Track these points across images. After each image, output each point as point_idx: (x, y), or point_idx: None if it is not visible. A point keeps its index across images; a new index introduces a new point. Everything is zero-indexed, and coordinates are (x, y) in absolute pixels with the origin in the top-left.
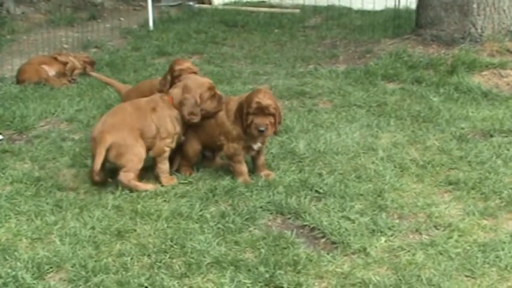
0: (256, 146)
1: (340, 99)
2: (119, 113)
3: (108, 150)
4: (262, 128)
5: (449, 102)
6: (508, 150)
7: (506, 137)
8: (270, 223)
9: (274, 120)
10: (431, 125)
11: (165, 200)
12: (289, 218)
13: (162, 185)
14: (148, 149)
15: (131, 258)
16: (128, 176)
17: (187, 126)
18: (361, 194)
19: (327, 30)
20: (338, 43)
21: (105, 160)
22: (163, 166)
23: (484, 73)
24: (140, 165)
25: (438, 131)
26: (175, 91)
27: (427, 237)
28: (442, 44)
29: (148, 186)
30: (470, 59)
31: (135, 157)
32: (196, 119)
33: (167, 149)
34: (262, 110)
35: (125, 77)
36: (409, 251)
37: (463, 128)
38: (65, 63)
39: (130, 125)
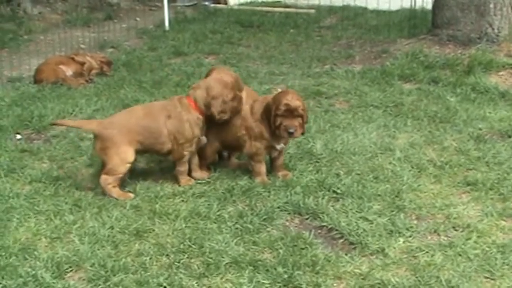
0: (279, 147)
1: (357, 99)
2: (127, 112)
3: (95, 141)
4: (291, 130)
5: (466, 103)
6: None
7: None
8: (287, 223)
9: (302, 121)
10: (449, 125)
11: (183, 200)
12: (307, 219)
13: (180, 186)
14: (157, 153)
15: (150, 258)
16: (107, 179)
17: (207, 125)
18: (379, 195)
19: (342, 31)
20: (354, 43)
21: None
22: (182, 168)
23: (501, 73)
24: (123, 168)
25: (455, 132)
26: (199, 93)
27: (445, 238)
28: (458, 44)
29: (124, 196)
30: (487, 59)
31: (117, 157)
32: (226, 117)
33: (186, 153)
34: (291, 112)
35: (141, 77)
36: (427, 252)
37: (480, 129)
38: (82, 64)
39: (128, 127)
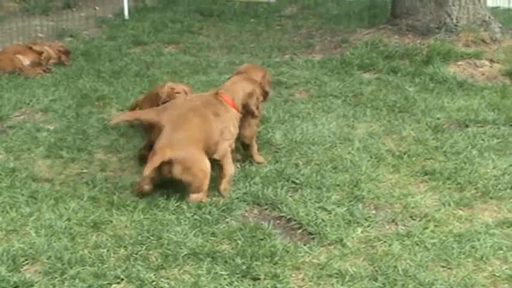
0: None
1: (317, 89)
2: (184, 125)
3: (172, 166)
4: None
5: (425, 92)
6: (483, 140)
7: (482, 127)
8: (246, 214)
9: None
10: (407, 115)
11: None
12: (266, 209)
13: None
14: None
15: (107, 250)
16: (198, 198)
17: None
18: (338, 185)
19: (302, 20)
20: (314, 33)
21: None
22: (230, 166)
23: (459, 63)
24: (207, 180)
25: (414, 121)
26: (235, 91)
27: (403, 228)
28: (417, 34)
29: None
30: (446, 49)
31: (201, 173)
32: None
33: (229, 149)
34: None
35: (100, 66)
36: (385, 241)
37: (438, 118)
38: (40, 53)
39: (198, 138)
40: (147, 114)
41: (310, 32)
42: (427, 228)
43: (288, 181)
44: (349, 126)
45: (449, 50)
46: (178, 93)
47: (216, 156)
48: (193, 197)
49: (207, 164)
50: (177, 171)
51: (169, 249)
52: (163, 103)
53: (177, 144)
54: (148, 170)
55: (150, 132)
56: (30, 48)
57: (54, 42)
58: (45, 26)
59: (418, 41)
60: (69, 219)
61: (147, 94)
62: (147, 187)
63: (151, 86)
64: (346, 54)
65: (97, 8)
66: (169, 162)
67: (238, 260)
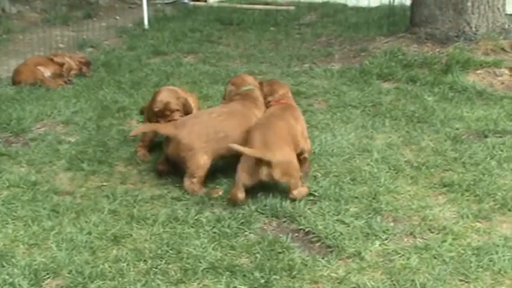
0: None
1: (336, 99)
2: (273, 129)
3: (271, 169)
4: None
5: (444, 102)
6: (502, 151)
7: (501, 137)
8: (265, 227)
9: None
10: (426, 125)
11: (161, 205)
12: (284, 222)
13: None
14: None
15: (127, 264)
16: (303, 191)
17: None
18: (356, 197)
19: (322, 28)
20: (333, 41)
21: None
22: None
23: (478, 72)
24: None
25: (433, 132)
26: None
27: (421, 241)
28: (436, 43)
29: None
30: (465, 58)
31: (296, 172)
32: None
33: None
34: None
35: (120, 77)
36: (403, 255)
37: (457, 129)
38: (61, 64)
39: (287, 140)
40: (165, 128)
41: (330, 40)
42: (445, 241)
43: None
44: (368, 137)
45: (468, 59)
46: (171, 111)
47: (306, 155)
48: (296, 193)
49: (297, 162)
50: (277, 175)
51: (188, 263)
52: (156, 115)
53: (273, 147)
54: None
55: (167, 145)
56: (52, 59)
57: (75, 53)
58: (66, 36)
59: (437, 50)
60: (89, 233)
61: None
62: (241, 195)
63: None
64: (365, 63)
65: (117, 17)
66: (268, 165)
67: (257, 274)
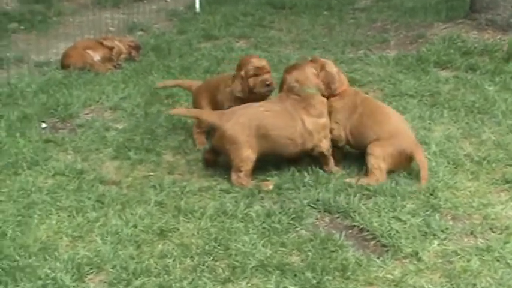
0: None
1: (391, 87)
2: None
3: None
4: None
5: (506, 92)
6: None
7: None
8: (317, 222)
9: None
10: (487, 116)
11: (209, 197)
12: (338, 218)
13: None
14: None
15: (173, 260)
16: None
17: None
18: (413, 193)
19: (377, 13)
20: (389, 26)
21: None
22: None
23: None
24: None
25: (494, 124)
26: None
27: (482, 241)
28: (497, 29)
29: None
30: None
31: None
32: None
33: None
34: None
35: (170, 62)
36: (463, 256)
37: None
38: (110, 48)
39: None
40: (209, 116)
41: (385, 26)
42: (508, 242)
43: (361, 188)
44: (426, 128)
45: None
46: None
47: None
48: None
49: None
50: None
51: (237, 261)
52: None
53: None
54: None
55: (212, 135)
56: (101, 43)
57: (125, 37)
58: (116, 19)
59: (498, 37)
60: (135, 226)
61: (205, 83)
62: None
63: None
64: (423, 50)
65: (168, 0)
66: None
67: (309, 274)
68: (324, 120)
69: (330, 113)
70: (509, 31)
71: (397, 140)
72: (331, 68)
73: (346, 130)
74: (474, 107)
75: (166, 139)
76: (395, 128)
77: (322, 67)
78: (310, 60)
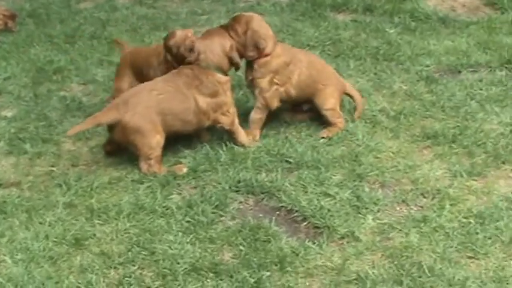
0: None
1: (291, 38)
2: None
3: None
4: None
5: (408, 34)
6: (481, 89)
7: (476, 72)
8: (242, 207)
9: None
10: (394, 63)
11: (121, 190)
12: (263, 199)
13: None
14: None
15: (96, 274)
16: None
17: None
18: (336, 161)
19: None
20: None
21: None
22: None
23: None
24: None
25: (403, 71)
26: None
27: (415, 210)
28: None
29: None
30: None
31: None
32: None
33: None
34: None
35: (51, 30)
36: (401, 230)
37: (428, 66)
38: None
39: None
40: (107, 116)
41: None
42: (442, 208)
43: (281, 161)
44: None
45: None
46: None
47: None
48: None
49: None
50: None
51: (165, 267)
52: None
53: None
54: None
55: (111, 131)
56: None
57: None
58: None
59: None
60: (46, 237)
61: (132, 55)
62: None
63: (110, 50)
64: None
65: None
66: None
67: (245, 273)
68: (221, 98)
69: (265, 75)
70: None
71: (338, 82)
72: (258, 25)
73: (288, 87)
74: (379, 54)
75: (62, 124)
76: (332, 71)
77: (247, 26)
78: (233, 20)
